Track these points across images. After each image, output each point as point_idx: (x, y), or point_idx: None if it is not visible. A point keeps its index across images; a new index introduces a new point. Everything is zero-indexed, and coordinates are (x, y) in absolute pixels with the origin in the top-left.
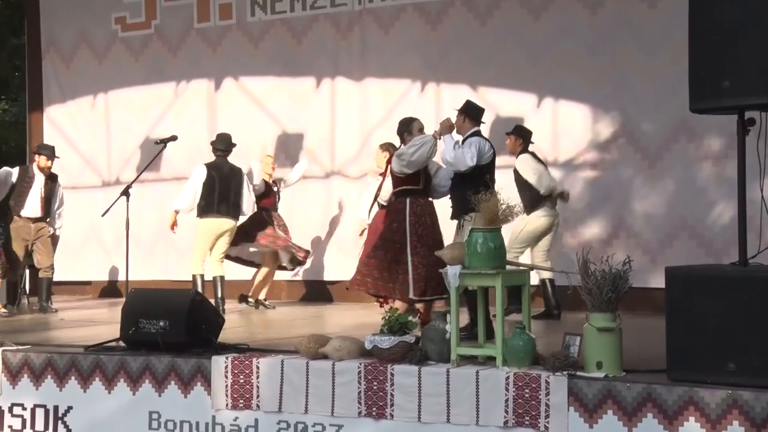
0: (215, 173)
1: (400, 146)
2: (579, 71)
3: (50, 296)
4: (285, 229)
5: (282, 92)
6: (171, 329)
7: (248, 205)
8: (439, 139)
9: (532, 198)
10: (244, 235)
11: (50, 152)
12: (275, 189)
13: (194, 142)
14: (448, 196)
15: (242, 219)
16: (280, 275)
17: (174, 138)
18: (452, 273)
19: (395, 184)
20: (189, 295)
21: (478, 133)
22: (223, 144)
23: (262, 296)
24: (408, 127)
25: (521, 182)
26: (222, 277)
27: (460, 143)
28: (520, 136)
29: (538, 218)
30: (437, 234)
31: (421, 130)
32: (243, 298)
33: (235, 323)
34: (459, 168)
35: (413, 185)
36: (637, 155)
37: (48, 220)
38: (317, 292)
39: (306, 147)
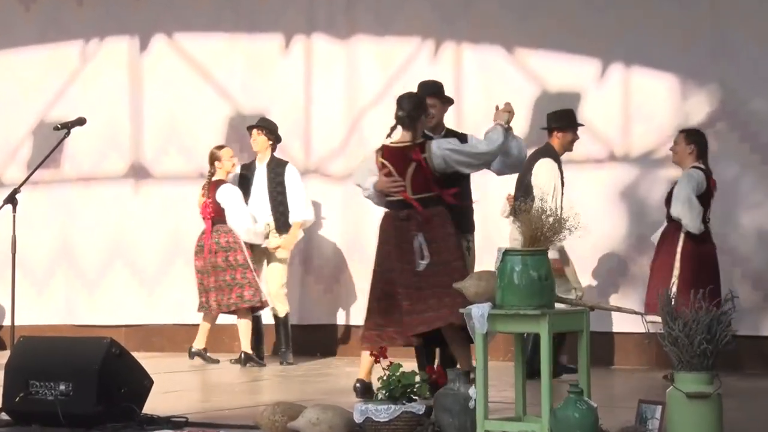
0: None
1: (392, 130)
2: (661, 27)
3: None
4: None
5: (236, 56)
6: (76, 395)
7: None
8: (508, 129)
9: None
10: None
11: None
12: None
13: (110, 127)
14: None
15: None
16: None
17: (81, 121)
18: (478, 314)
19: (422, 186)
20: (102, 346)
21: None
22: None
23: (202, 344)
24: (425, 109)
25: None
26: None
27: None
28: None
29: None
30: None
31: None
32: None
33: (168, 385)
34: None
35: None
36: (743, 146)
37: None
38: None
39: (267, 227)
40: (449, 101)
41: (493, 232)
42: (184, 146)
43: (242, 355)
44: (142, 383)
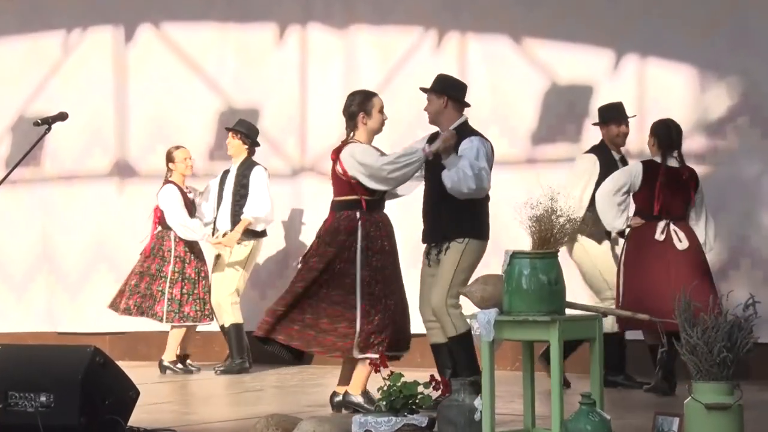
0: None
1: (350, 136)
2: (678, 15)
3: None
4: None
5: (227, 47)
6: (58, 407)
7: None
8: (431, 158)
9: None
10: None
11: None
12: (191, 198)
13: (94, 122)
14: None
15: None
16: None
17: (63, 116)
18: (484, 320)
19: (342, 190)
20: (85, 356)
21: (468, 127)
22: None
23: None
24: (365, 106)
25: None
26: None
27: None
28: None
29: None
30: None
31: (382, 110)
32: (181, 360)
33: (156, 396)
34: (477, 195)
35: (370, 195)
36: (766, 142)
37: None
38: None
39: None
40: (447, 94)
41: (501, 234)
42: (172, 143)
43: (160, 362)
44: (128, 394)
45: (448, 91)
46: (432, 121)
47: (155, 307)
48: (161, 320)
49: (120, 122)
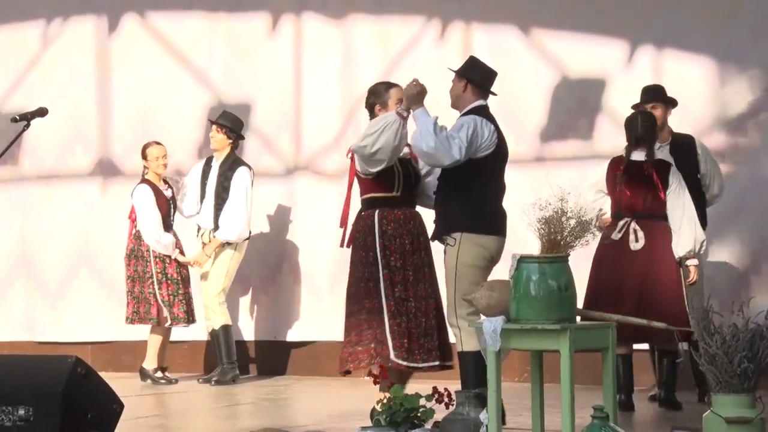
0: None
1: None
2: (697, 4)
3: None
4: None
5: (216, 38)
6: (37, 421)
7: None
8: (406, 115)
9: None
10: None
11: None
12: (168, 196)
13: (75, 118)
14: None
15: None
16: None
17: (42, 112)
18: (490, 329)
19: (362, 189)
20: (66, 366)
21: (480, 110)
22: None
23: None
24: (382, 97)
25: None
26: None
27: (442, 124)
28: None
29: None
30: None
31: (400, 101)
32: (151, 372)
33: (141, 409)
34: (440, 161)
35: (385, 191)
36: None
37: None
38: (272, 358)
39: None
40: (468, 77)
41: (508, 237)
42: (158, 140)
43: (140, 370)
44: (111, 407)
45: (469, 75)
46: (453, 105)
47: (151, 311)
48: (158, 323)
49: (103, 118)
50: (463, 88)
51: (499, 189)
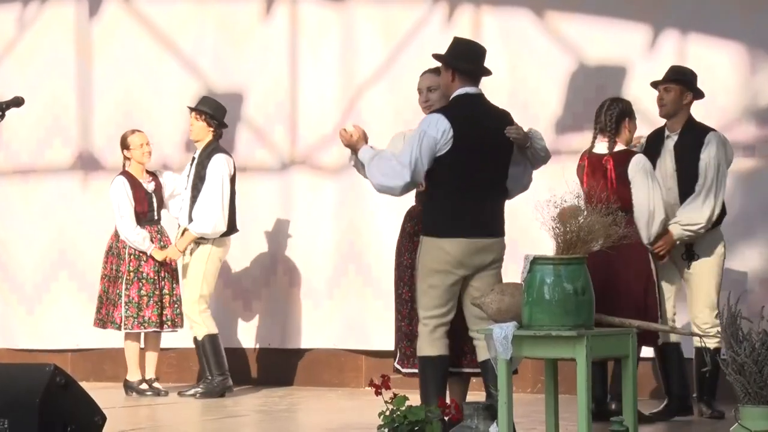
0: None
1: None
2: None
3: None
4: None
5: (206, 22)
6: None
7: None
8: (353, 164)
9: None
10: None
11: None
12: (151, 189)
13: (54, 109)
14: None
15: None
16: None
17: (18, 102)
18: (501, 335)
19: None
20: (44, 375)
21: (455, 102)
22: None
23: (149, 374)
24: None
25: None
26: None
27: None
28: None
29: None
30: None
31: (429, 89)
32: (135, 384)
33: (125, 422)
34: (393, 192)
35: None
36: None
37: None
38: (266, 367)
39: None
40: (453, 66)
41: (520, 237)
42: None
43: (124, 383)
44: (93, 420)
45: (456, 64)
46: (443, 96)
47: (113, 314)
48: (119, 328)
49: (83, 109)
50: (452, 78)
51: (472, 185)
